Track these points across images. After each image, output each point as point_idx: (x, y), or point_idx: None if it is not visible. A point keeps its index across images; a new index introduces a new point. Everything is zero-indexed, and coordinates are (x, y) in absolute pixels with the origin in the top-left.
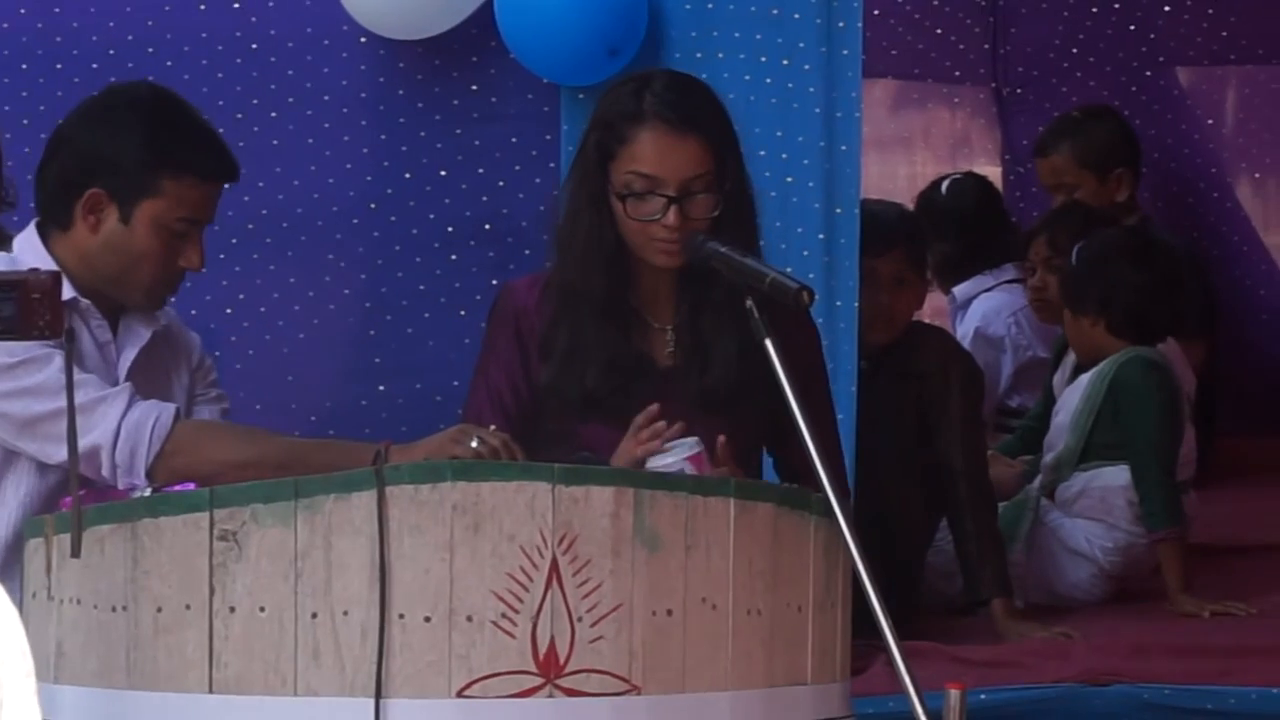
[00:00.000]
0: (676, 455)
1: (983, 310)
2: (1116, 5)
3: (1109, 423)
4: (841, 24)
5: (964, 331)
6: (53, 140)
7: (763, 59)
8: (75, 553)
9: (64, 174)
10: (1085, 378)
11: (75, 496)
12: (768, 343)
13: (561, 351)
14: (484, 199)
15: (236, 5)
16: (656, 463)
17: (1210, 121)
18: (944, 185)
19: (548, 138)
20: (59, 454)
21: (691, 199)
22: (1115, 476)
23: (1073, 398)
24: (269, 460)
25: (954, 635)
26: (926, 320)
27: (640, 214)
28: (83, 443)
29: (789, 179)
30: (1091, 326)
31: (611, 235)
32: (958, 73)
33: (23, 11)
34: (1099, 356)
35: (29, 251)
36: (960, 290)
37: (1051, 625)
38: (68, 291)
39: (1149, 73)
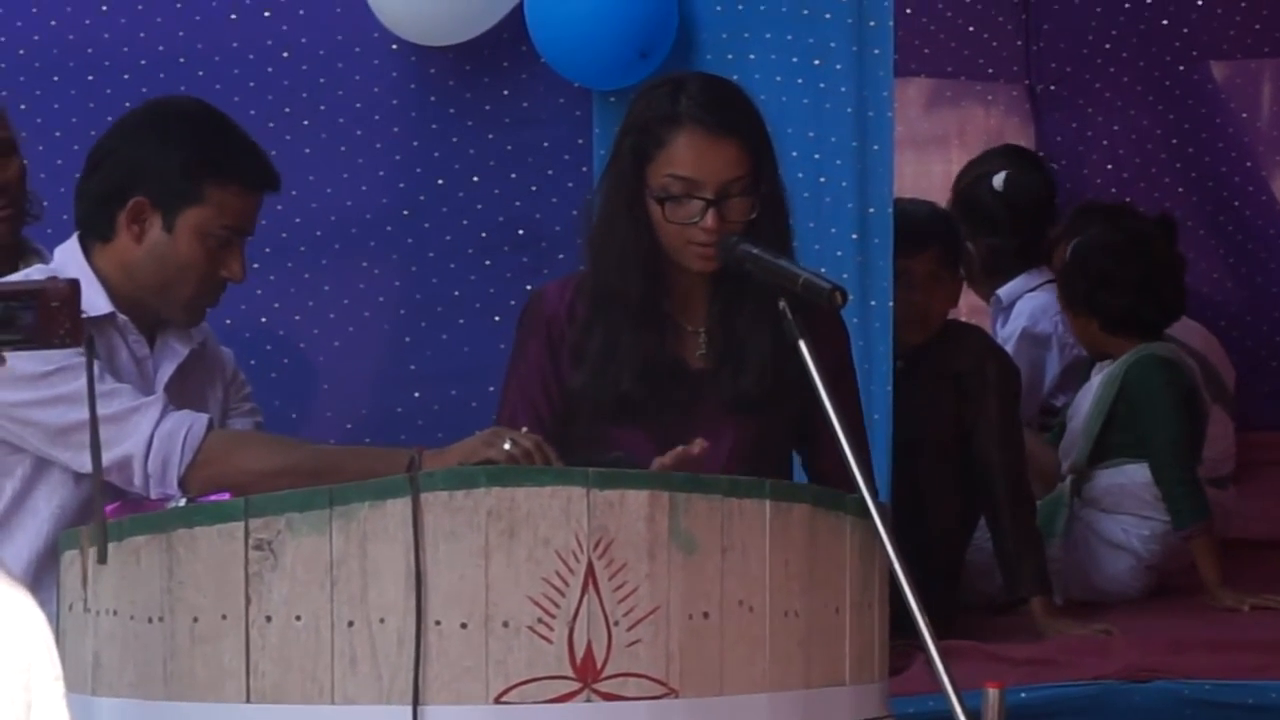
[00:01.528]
0: None
1: (1029, 309)
2: (1149, 0)
3: (1125, 423)
4: (873, 23)
5: (1009, 332)
6: (94, 153)
7: (794, 59)
8: (102, 559)
9: (108, 184)
10: (1096, 379)
11: (97, 498)
12: (801, 344)
13: (595, 356)
14: (516, 204)
15: (267, 14)
16: None
17: (1244, 115)
18: (999, 180)
19: (580, 141)
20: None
21: (729, 201)
22: (1137, 473)
23: (1084, 401)
24: (302, 468)
25: (993, 634)
26: (963, 319)
27: (678, 217)
28: (115, 452)
29: (822, 179)
30: (1087, 325)
31: (647, 239)
32: (991, 70)
33: (54, 24)
34: (1103, 353)
35: (70, 263)
36: (1005, 291)
37: (1090, 622)
38: (106, 306)
39: (1182, 67)
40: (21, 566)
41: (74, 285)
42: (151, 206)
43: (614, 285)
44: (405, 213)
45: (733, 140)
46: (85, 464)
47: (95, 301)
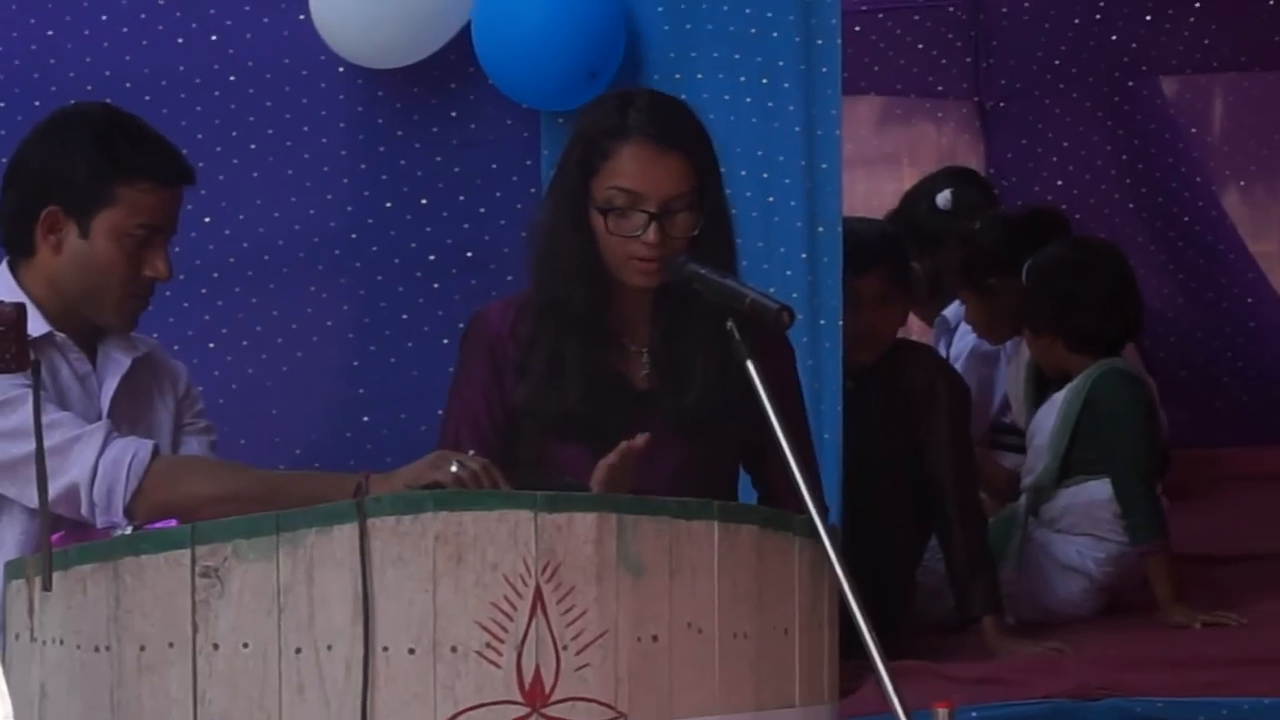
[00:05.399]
0: None
1: None
2: (1098, 16)
3: (1088, 438)
4: (820, 41)
5: (958, 351)
6: (8, 170)
7: (742, 78)
8: (46, 586)
9: (20, 199)
10: (1059, 396)
11: (44, 527)
12: (749, 364)
13: (540, 370)
14: (465, 226)
15: (214, 38)
16: None
17: (1194, 130)
18: (943, 198)
19: (528, 163)
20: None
21: (672, 217)
22: (1098, 491)
23: (1048, 418)
24: (249, 494)
25: (944, 653)
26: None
27: (621, 230)
28: (61, 482)
29: (770, 198)
30: (1050, 345)
31: (591, 252)
32: (940, 88)
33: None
34: (1065, 373)
35: (1, 288)
36: (950, 312)
37: (1042, 640)
38: (42, 326)
39: (1132, 83)
40: None
41: (20, 309)
42: (65, 214)
43: (558, 296)
44: (353, 236)
45: (678, 155)
46: (31, 498)
47: (31, 324)
